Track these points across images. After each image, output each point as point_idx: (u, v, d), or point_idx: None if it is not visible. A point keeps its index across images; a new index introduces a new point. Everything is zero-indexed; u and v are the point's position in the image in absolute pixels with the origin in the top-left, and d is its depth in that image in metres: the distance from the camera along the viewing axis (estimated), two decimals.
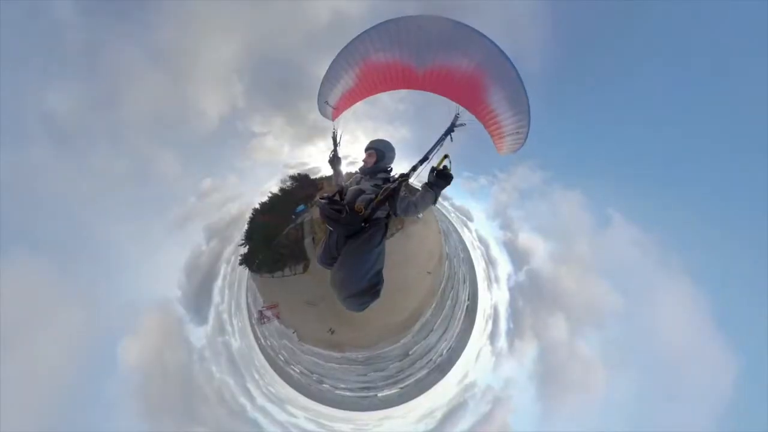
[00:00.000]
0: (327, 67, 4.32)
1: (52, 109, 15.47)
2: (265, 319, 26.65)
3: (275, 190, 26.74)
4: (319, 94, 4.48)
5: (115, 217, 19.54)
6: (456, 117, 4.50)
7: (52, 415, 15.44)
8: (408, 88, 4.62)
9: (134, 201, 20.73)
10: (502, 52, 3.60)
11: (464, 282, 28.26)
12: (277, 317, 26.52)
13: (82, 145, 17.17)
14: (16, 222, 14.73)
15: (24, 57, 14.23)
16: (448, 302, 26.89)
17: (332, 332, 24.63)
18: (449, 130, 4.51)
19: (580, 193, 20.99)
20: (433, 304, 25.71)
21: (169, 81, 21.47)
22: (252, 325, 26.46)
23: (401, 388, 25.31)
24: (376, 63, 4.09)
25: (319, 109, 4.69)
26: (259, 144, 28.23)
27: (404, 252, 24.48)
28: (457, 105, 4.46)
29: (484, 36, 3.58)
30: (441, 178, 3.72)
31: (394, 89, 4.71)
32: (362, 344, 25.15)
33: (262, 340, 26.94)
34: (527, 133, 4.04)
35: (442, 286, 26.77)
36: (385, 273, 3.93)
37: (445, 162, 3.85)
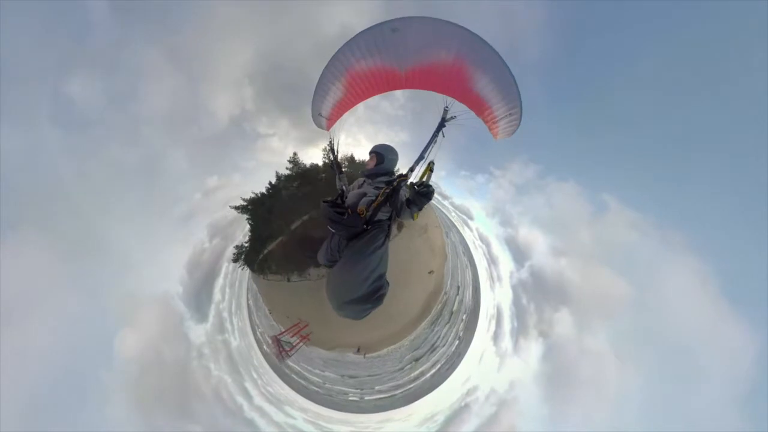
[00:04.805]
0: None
1: (70, 96, 16.71)
2: (287, 350, 20.70)
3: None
4: (312, 108, 4.59)
5: (123, 208, 20.31)
6: (445, 110, 4.40)
7: (43, 395, 15.42)
8: (395, 89, 4.64)
9: (142, 194, 21.59)
10: (478, 37, 3.56)
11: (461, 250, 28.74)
12: (306, 340, 20.76)
13: (96, 134, 18.31)
14: (24, 202, 15.53)
15: (53, 43, 15.50)
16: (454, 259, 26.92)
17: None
18: (441, 125, 4.42)
19: (574, 182, 20.99)
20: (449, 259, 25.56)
21: (184, 81, 23.04)
22: (252, 325, 26.12)
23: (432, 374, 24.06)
24: (359, 71, 4.16)
25: (314, 121, 4.77)
26: (264, 145, 29.43)
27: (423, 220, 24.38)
28: (445, 97, 4.37)
29: (457, 24, 3.57)
30: (421, 195, 3.72)
31: (382, 92, 4.71)
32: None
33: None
34: (520, 114, 3.93)
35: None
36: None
37: (425, 177, 3.87)
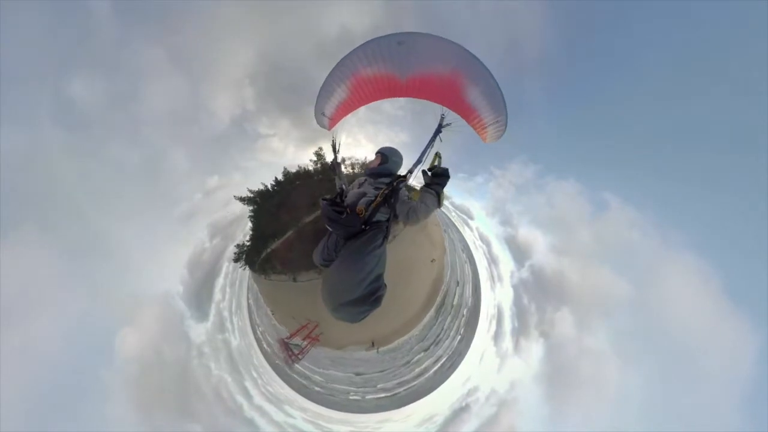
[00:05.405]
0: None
1: (71, 95, 16.72)
2: (296, 354, 19.59)
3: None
4: (316, 107, 4.91)
5: (124, 208, 20.36)
6: (442, 117, 4.84)
7: (43, 394, 15.46)
8: (395, 96, 5.05)
9: (143, 194, 21.66)
10: (472, 54, 4.10)
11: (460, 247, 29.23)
12: (316, 341, 19.43)
13: (97, 134, 18.35)
14: (24, 202, 15.53)
15: (54, 42, 15.47)
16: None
17: None
18: (437, 131, 4.83)
19: (574, 181, 20.99)
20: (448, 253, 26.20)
21: (184, 82, 23.06)
22: (252, 325, 26.13)
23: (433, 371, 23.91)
24: (364, 76, 4.57)
25: (317, 121, 5.08)
26: (265, 145, 29.44)
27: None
28: (441, 107, 4.85)
29: (455, 43, 4.12)
30: (438, 176, 3.67)
31: (383, 98, 5.13)
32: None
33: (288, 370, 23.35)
34: (506, 121, 4.43)
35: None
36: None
37: (436, 161, 3.93)
